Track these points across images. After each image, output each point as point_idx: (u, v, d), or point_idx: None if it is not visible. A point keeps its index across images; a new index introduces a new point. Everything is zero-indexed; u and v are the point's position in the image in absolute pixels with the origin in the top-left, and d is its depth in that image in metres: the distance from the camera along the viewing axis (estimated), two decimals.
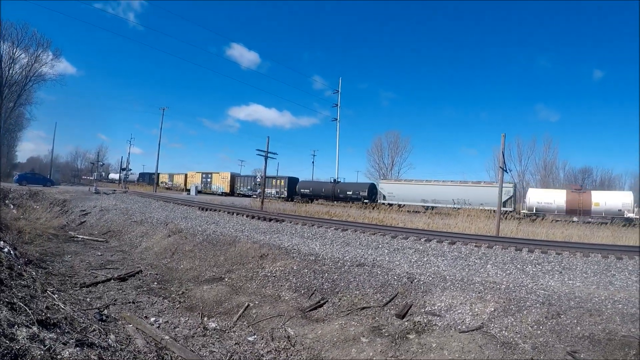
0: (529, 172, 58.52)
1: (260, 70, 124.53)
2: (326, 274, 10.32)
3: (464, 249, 12.52)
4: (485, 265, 10.69)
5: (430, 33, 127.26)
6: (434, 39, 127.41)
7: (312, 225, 17.32)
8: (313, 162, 79.09)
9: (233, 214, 21.90)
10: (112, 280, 10.65)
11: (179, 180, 68.64)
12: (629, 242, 16.35)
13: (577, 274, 9.76)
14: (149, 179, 72.99)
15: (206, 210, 23.80)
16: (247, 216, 20.79)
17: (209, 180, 60.76)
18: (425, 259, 11.37)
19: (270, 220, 19.20)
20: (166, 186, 69.10)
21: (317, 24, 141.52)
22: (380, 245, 13.20)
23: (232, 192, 55.25)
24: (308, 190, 46.30)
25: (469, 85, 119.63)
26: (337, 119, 53.24)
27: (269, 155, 27.21)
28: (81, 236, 17.81)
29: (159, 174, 63.55)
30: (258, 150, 27.26)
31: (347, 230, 15.98)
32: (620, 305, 7.46)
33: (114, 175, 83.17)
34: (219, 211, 23.10)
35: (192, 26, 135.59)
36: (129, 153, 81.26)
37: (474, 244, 13.11)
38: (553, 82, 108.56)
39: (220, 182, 58.40)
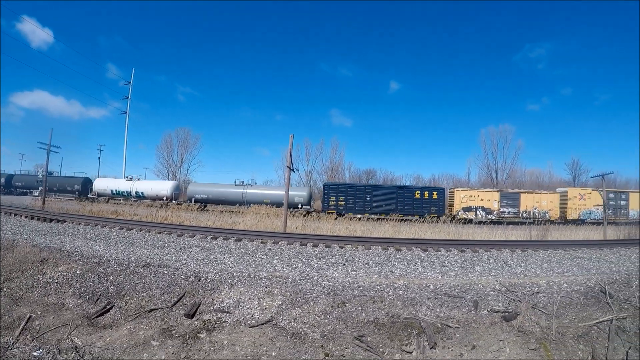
0: (316, 171, 62.89)
1: (53, 52, 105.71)
2: (111, 277, 9.51)
3: (250, 246, 12.77)
4: (272, 261, 11.05)
5: (227, 33, 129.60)
6: (232, 40, 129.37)
7: (96, 225, 15.99)
8: (99, 158, 66.69)
9: (10, 214, 19.13)
10: None
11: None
12: (406, 235, 19.18)
13: (360, 265, 10.81)
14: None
15: None
16: (25, 217, 18.36)
17: None
18: (212, 257, 11.26)
19: (51, 220, 17.19)
20: None
21: (116, 6, 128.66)
22: (166, 245, 12.66)
23: None
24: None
25: (264, 86, 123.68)
26: (126, 112, 49.25)
27: (52, 149, 24.09)
28: None
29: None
30: (40, 142, 24.18)
31: (132, 229, 15.19)
32: (400, 292, 8.47)
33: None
34: None
35: None
36: None
37: (260, 241, 13.50)
38: (351, 90, 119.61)
39: None
